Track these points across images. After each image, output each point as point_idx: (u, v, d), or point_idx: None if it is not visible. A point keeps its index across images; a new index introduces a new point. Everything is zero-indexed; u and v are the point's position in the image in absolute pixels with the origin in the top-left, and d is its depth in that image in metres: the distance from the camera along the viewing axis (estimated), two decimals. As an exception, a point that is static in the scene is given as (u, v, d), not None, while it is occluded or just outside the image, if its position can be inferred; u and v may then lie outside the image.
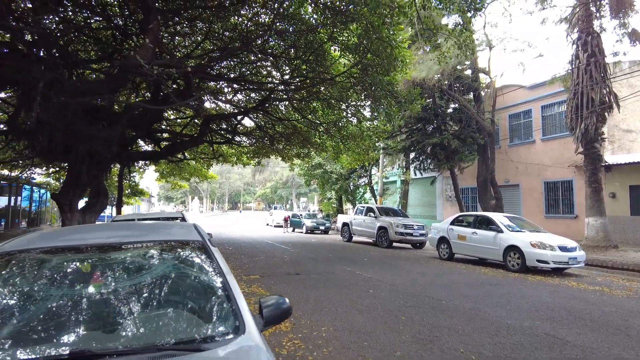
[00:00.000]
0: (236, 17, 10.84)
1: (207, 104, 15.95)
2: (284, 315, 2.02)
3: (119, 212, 18.91)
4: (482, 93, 19.47)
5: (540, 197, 18.77)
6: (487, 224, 11.65)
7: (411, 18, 10.80)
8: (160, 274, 2.15)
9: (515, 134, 20.47)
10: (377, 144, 19.39)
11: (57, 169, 18.52)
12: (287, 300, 2.06)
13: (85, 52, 11.87)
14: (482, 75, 19.57)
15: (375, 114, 15.31)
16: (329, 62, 11.69)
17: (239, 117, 15.49)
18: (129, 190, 23.60)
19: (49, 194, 23.23)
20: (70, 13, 10.20)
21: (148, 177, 28.84)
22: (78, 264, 2.10)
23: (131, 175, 22.17)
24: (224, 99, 15.72)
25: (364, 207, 19.31)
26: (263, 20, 10.91)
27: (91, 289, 1.92)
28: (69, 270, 2.07)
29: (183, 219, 8.90)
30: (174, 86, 12.50)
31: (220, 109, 16.65)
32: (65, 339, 1.64)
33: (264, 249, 15.03)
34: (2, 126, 13.42)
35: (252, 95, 15.04)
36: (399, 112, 14.14)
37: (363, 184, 28.53)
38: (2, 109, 12.56)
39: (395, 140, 20.92)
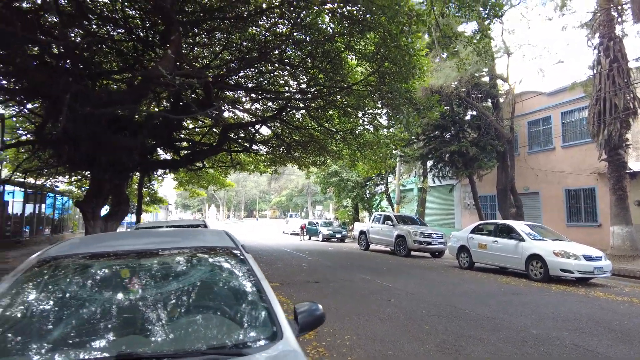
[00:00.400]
0: (254, 28, 10.99)
1: (225, 113, 16.16)
2: (318, 321, 2.02)
3: (138, 219, 19.21)
4: (501, 100, 19.28)
5: (561, 205, 18.39)
6: (508, 232, 11.46)
7: (429, 26, 10.79)
8: (198, 279, 2.18)
9: (535, 141, 20.16)
10: (394, 152, 19.32)
11: (80, 177, 18.95)
12: (320, 306, 2.07)
13: (108, 63, 12.17)
14: (500, 82, 19.40)
15: (393, 122, 15.29)
16: (345, 71, 11.75)
17: (256, 126, 15.66)
18: (148, 198, 23.96)
19: (71, 202, 23.75)
20: (94, 26, 10.49)
21: (166, 185, 29.29)
22: (119, 269, 2.15)
23: (150, 183, 22.52)
24: (241, 108, 15.92)
25: (381, 215, 19.19)
26: (281, 31, 11.05)
27: (133, 294, 1.96)
28: (111, 275, 2.12)
29: (205, 227, 8.99)
30: (193, 96, 12.72)
31: (238, 118, 16.85)
32: (110, 342, 1.69)
33: (281, 257, 15.05)
34: (29, 136, 13.85)
35: (270, 104, 15.19)
36: (419, 119, 14.08)
37: (380, 192, 28.40)
38: (30, 120, 12.94)
39: (413, 148, 20.82)
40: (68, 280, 2.05)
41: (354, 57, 11.72)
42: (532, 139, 20.30)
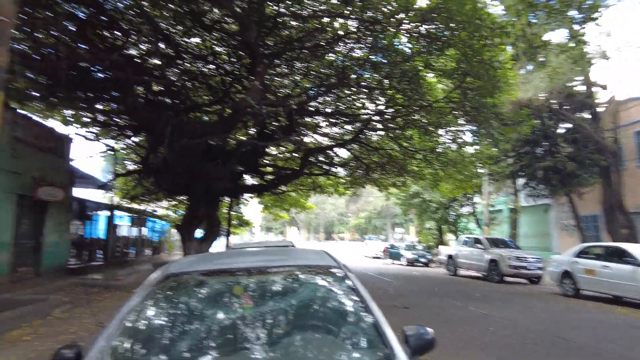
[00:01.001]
0: (332, 55, 11.26)
1: (305, 138, 16.66)
2: (429, 345, 1.92)
3: (228, 241, 20.44)
4: (600, 110, 17.45)
5: (686, 225, 15.90)
6: (621, 256, 10.12)
7: (516, 37, 10.22)
8: (307, 298, 2.21)
9: (646, 153, 17.85)
10: (480, 170, 18.29)
11: (176, 202, 20.64)
12: (430, 330, 1.96)
13: (199, 97, 13.24)
14: (597, 90, 17.61)
15: (478, 138, 14.55)
16: (424, 89, 11.49)
17: (335, 149, 15.89)
18: (237, 221, 25.25)
19: (167, 225, 25.89)
20: (187, 64, 11.54)
21: (250, 208, 30.83)
22: (233, 285, 2.25)
23: (238, 206, 23.78)
24: (320, 132, 16.30)
25: (470, 238, 18.19)
26: (358, 55, 11.19)
27: (246, 310, 2.03)
28: (225, 290, 2.24)
29: (293, 247, 9.24)
30: (275, 123, 13.31)
31: (318, 142, 17.25)
32: (224, 355, 1.77)
33: (366, 281, 14.62)
34: (135, 166, 15.49)
35: (347, 127, 15.33)
36: (511, 132, 13.23)
37: (466, 213, 26.97)
38: (136, 151, 14.48)
39: (501, 165, 19.52)
40: (189, 295, 2.20)
41: (433, 74, 11.46)
42: (641, 151, 18.01)
